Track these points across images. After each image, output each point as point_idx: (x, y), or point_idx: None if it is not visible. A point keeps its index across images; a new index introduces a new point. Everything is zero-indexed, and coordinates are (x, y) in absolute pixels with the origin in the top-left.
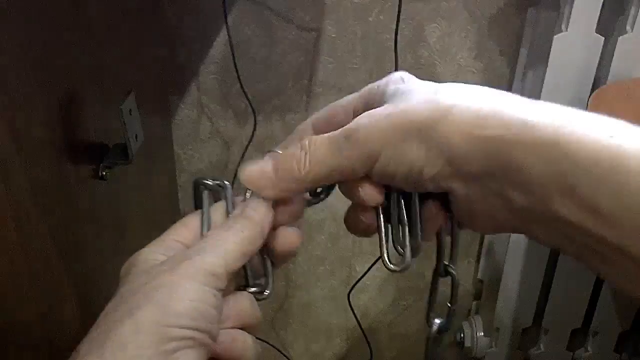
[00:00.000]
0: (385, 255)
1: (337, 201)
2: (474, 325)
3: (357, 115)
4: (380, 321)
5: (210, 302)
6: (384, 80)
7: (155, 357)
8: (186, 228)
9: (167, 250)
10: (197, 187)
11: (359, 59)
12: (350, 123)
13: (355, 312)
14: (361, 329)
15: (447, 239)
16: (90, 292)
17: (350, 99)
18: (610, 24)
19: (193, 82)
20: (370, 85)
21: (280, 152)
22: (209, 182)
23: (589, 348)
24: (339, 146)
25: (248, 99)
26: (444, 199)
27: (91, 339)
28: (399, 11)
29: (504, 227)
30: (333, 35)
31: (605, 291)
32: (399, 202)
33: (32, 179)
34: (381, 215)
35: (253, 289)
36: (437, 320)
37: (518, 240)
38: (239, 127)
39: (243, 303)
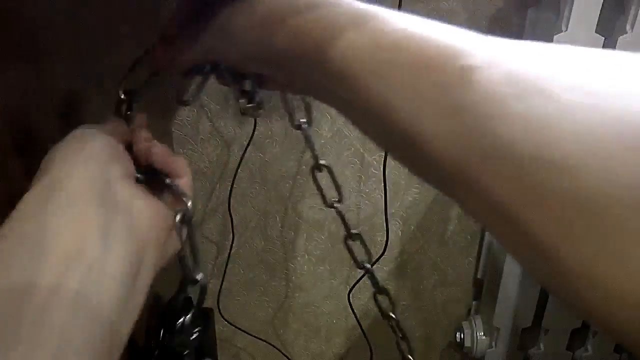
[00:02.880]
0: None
1: None
2: (474, 325)
3: None
4: (380, 321)
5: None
6: None
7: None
8: None
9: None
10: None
11: None
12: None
13: (355, 312)
14: (361, 329)
15: None
16: None
17: None
18: (610, 24)
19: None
20: None
21: None
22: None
23: (589, 348)
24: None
25: None
26: None
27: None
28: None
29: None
30: None
31: None
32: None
33: (31, 173)
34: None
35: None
36: None
37: None
38: (239, 127)
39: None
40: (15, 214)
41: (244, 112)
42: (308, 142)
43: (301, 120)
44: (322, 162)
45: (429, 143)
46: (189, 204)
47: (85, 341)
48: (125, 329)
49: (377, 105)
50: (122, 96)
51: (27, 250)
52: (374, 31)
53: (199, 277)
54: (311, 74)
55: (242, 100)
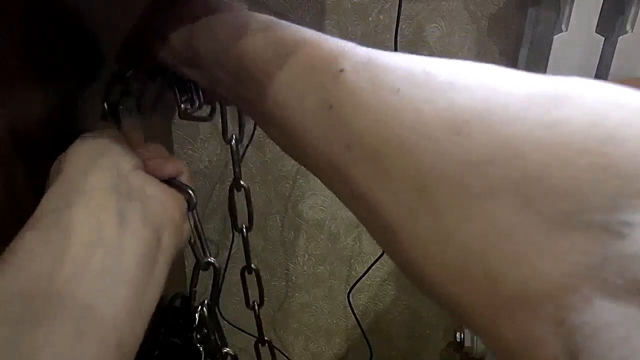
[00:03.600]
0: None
1: (337, 201)
2: None
3: None
4: (380, 321)
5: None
6: None
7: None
8: None
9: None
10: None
11: None
12: None
13: (355, 312)
14: (361, 329)
15: None
16: None
17: None
18: (610, 24)
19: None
20: None
21: None
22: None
23: None
24: None
25: None
26: None
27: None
28: (399, 11)
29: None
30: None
31: None
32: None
33: (34, 179)
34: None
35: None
36: None
37: None
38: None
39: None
40: (38, 210)
41: (183, 117)
42: (233, 157)
43: (234, 136)
44: (242, 183)
45: (308, 136)
46: (192, 192)
47: (105, 316)
48: (146, 309)
49: (273, 103)
50: (106, 107)
51: (50, 242)
52: (275, 38)
53: (211, 259)
54: (226, 80)
55: (182, 106)
